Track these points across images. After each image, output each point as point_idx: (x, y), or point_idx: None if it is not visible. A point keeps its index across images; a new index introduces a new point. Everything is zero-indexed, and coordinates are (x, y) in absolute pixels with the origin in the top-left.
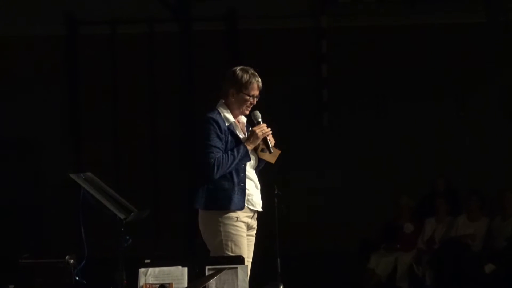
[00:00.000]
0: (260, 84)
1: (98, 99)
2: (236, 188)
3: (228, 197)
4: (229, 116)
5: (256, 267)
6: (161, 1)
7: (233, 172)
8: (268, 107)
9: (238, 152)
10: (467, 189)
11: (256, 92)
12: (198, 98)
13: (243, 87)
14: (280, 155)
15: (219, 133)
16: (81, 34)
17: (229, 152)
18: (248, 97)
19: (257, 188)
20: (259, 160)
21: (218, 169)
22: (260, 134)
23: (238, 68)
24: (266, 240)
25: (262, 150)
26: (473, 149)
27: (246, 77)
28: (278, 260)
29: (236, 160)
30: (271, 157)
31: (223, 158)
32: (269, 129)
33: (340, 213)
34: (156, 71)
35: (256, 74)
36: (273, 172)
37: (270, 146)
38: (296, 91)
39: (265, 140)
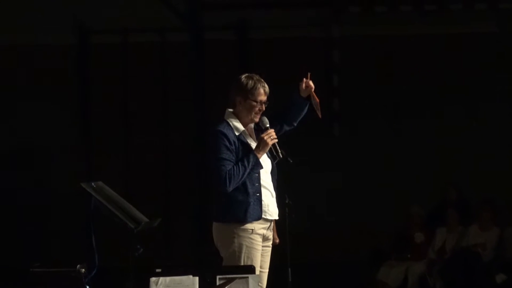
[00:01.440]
0: (267, 89)
1: (109, 108)
2: (251, 199)
3: (243, 209)
4: (239, 125)
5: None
6: (172, 10)
7: (247, 182)
8: None
9: (248, 162)
10: (478, 199)
11: (263, 98)
12: (210, 107)
13: (249, 93)
14: (291, 164)
15: (228, 145)
16: (92, 43)
17: (240, 163)
18: (255, 103)
19: (272, 196)
20: (273, 162)
21: (230, 181)
22: (269, 140)
23: (243, 75)
24: (277, 249)
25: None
26: (484, 158)
27: (251, 83)
28: (289, 269)
29: (248, 170)
30: (318, 112)
31: (234, 170)
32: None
33: (351, 222)
34: (167, 80)
35: (262, 79)
36: (284, 181)
37: (279, 151)
38: None
39: (274, 146)
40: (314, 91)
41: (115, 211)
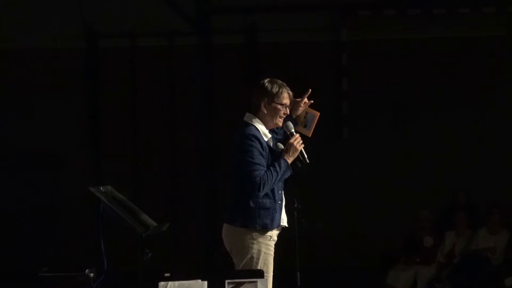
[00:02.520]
0: (291, 94)
1: (117, 112)
2: (277, 206)
3: (270, 216)
4: (266, 131)
5: (276, 280)
6: (181, 14)
7: (275, 189)
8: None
9: (280, 167)
10: (487, 202)
11: (287, 101)
12: (218, 110)
13: (275, 97)
14: (298, 168)
15: (261, 150)
16: (101, 47)
17: (271, 168)
18: (281, 107)
19: (283, 203)
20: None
21: (264, 186)
22: (298, 146)
23: (266, 80)
24: (286, 253)
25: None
26: (493, 162)
27: (276, 87)
28: (298, 273)
29: (279, 175)
30: (307, 131)
31: (267, 176)
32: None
33: (360, 226)
34: (175, 83)
35: (285, 84)
36: (292, 185)
37: (305, 156)
38: (316, 104)
39: (301, 152)
40: (318, 100)
41: (123, 216)
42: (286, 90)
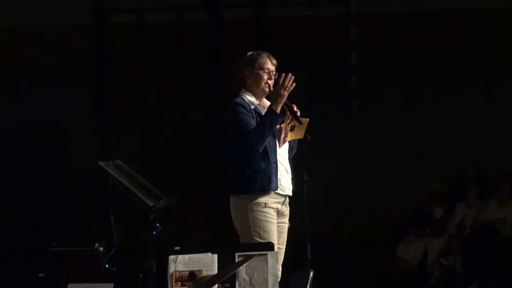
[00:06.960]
0: (274, 61)
1: (126, 88)
2: (272, 169)
3: (267, 177)
4: (252, 99)
5: (286, 253)
6: None
7: (268, 151)
8: (296, 94)
9: (266, 115)
10: (497, 174)
11: (269, 66)
12: (227, 85)
13: (255, 63)
14: (308, 140)
15: (247, 112)
16: (109, 23)
17: (259, 121)
18: (262, 72)
19: (287, 172)
20: (291, 142)
21: (257, 140)
22: (282, 91)
23: (247, 53)
24: (296, 226)
25: (291, 129)
26: (503, 134)
27: (254, 54)
28: (308, 246)
29: (269, 124)
30: (298, 133)
31: (257, 129)
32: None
33: (369, 200)
34: (184, 59)
35: (265, 52)
36: (302, 158)
37: (293, 108)
38: (325, 78)
39: (287, 105)
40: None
41: (133, 189)
42: (265, 56)
